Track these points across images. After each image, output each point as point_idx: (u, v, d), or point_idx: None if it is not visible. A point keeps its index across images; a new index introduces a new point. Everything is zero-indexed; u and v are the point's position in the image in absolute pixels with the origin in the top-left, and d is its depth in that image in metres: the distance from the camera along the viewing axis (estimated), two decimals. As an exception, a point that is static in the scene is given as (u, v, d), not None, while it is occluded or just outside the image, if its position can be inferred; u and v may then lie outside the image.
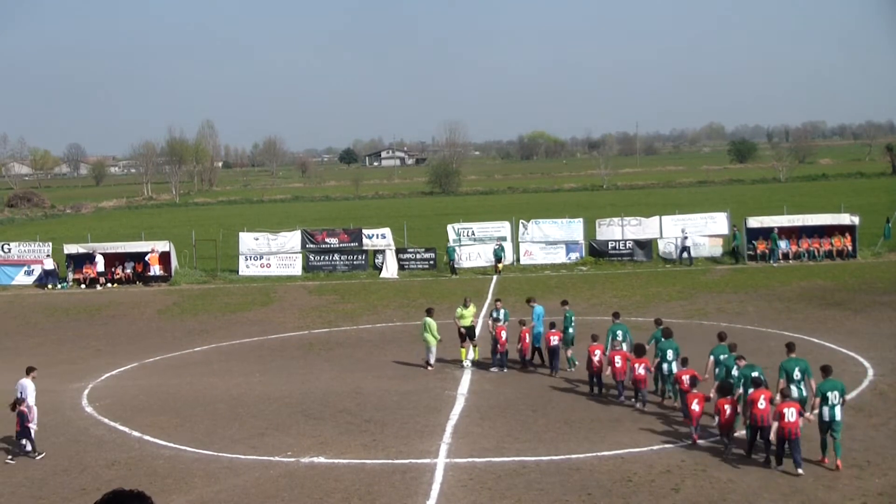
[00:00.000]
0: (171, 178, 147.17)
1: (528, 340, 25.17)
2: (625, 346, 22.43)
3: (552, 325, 24.85)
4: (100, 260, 46.11)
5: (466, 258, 47.10)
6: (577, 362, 24.74)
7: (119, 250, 47.74)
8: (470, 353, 25.74)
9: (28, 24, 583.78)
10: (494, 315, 25.90)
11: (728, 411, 17.53)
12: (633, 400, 21.39)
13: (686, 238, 45.60)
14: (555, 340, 24.45)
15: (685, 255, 45.29)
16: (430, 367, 25.51)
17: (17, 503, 16.88)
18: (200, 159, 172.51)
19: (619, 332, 22.84)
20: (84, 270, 46.34)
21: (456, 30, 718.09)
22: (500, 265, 45.29)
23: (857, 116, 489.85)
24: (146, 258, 46.32)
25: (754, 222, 45.77)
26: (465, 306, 26.03)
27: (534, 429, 19.78)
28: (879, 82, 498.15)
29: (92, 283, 45.73)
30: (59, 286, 46.12)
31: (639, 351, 21.52)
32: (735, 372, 18.92)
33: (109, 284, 45.98)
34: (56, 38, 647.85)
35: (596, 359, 22.16)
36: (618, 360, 21.75)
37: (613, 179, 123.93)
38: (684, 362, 20.50)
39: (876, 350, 25.57)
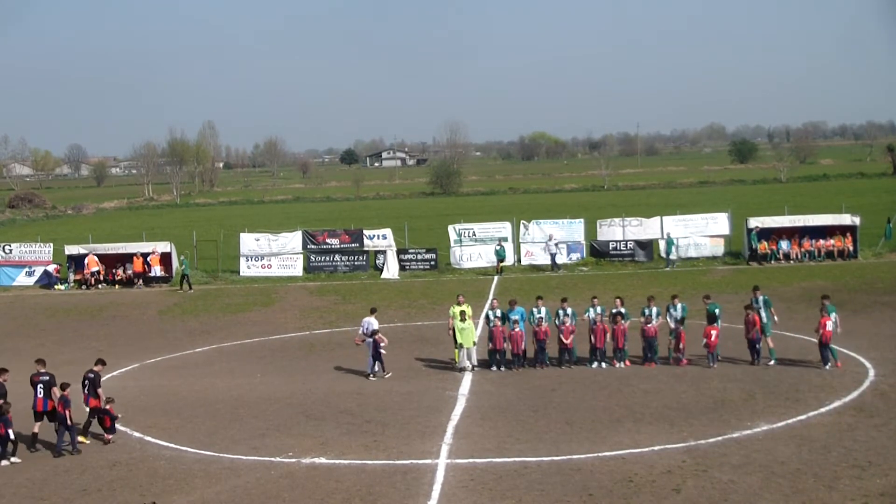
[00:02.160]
0: (172, 178, 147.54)
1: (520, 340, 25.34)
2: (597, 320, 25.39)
3: (539, 322, 25.40)
4: (92, 259, 46.13)
5: (468, 259, 47.17)
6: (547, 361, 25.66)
7: (120, 251, 47.76)
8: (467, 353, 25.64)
9: (29, 24, 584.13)
10: (491, 315, 25.86)
11: (713, 335, 24.63)
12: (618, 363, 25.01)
13: (556, 244, 45.93)
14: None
15: (556, 261, 45.48)
16: (468, 371, 25.07)
17: (18, 504, 16.90)
18: (201, 160, 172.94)
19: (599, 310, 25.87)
20: (85, 272, 46.38)
21: (457, 30, 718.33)
22: (501, 265, 45.34)
23: (858, 117, 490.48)
24: (147, 259, 46.29)
25: (755, 223, 45.77)
26: (459, 304, 25.93)
27: (535, 429, 19.78)
28: (880, 82, 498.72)
29: (91, 283, 45.80)
30: (61, 287, 46.17)
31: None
32: None
33: (112, 285, 46.05)
34: (57, 38, 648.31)
35: (568, 340, 25.23)
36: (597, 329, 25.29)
37: (614, 180, 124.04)
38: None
39: (877, 350, 25.57)
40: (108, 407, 20.33)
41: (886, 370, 23.47)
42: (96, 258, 46.36)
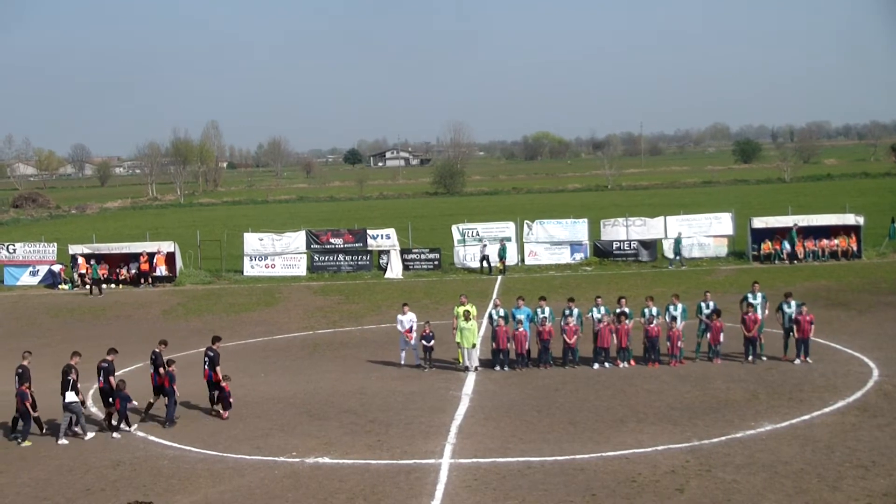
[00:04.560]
0: (176, 178, 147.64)
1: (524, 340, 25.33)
2: (604, 320, 25.38)
3: (543, 322, 25.42)
4: (83, 263, 46.11)
5: (471, 258, 47.13)
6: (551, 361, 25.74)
7: (124, 251, 47.82)
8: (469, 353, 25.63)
9: (33, 24, 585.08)
10: (494, 314, 25.86)
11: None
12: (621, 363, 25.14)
13: (485, 246, 46.02)
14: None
15: (485, 264, 45.61)
16: (471, 371, 25.10)
17: (21, 503, 16.91)
18: (205, 160, 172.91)
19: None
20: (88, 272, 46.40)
21: (460, 30, 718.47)
22: (501, 265, 45.22)
23: (862, 116, 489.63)
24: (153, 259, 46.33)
25: (759, 223, 45.72)
26: (462, 304, 25.88)
27: (538, 429, 19.78)
28: (884, 83, 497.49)
29: (79, 284, 45.78)
30: (65, 286, 46.25)
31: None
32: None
33: (113, 285, 46.13)
34: (60, 38, 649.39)
35: (571, 340, 25.25)
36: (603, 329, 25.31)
37: (618, 180, 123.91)
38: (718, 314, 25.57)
39: (881, 350, 25.55)
40: (224, 384, 21.97)
41: (890, 370, 23.45)
42: (85, 261, 46.06)
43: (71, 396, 20.44)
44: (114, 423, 21.00)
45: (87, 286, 44.81)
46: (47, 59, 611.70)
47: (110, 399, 21.14)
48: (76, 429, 20.70)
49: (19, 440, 20.43)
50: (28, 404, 20.41)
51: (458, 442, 19.09)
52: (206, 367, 22.59)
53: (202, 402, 23.06)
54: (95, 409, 22.45)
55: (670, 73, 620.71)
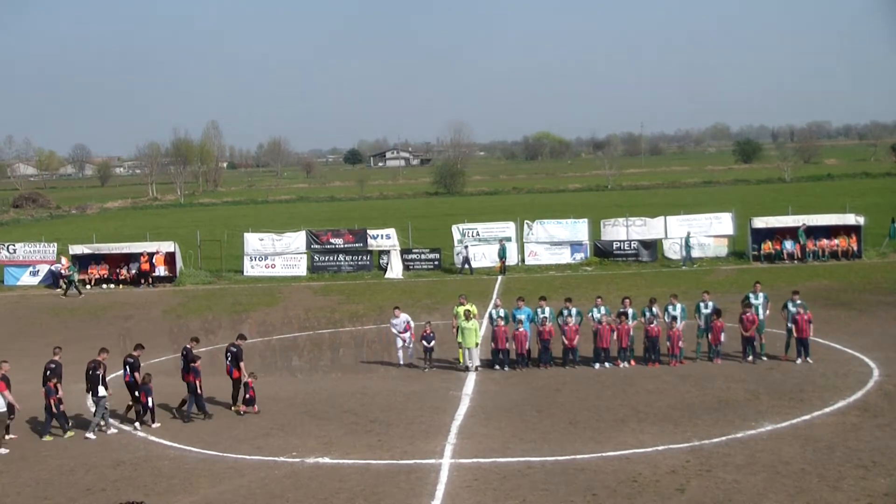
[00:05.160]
0: (176, 178, 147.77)
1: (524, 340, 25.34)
2: (603, 320, 25.24)
3: (544, 322, 25.41)
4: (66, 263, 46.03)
5: (471, 258, 47.07)
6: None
7: (124, 251, 47.84)
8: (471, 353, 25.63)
9: (33, 23, 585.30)
10: (494, 314, 25.85)
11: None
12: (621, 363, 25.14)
13: (466, 248, 46.25)
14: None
15: (466, 265, 45.82)
16: (472, 370, 25.04)
17: (22, 503, 16.91)
18: (205, 160, 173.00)
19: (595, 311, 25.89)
20: (89, 271, 46.45)
21: (461, 30, 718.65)
22: (501, 265, 45.17)
23: (863, 116, 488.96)
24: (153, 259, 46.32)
25: (759, 223, 45.71)
26: (462, 305, 25.87)
27: (539, 429, 19.78)
28: (885, 82, 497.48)
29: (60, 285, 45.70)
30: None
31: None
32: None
33: (113, 285, 46.16)
34: (61, 38, 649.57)
35: (573, 340, 25.27)
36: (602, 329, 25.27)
37: (618, 180, 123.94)
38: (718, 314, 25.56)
39: (881, 350, 25.54)
40: (248, 381, 22.24)
41: (891, 370, 23.44)
42: (69, 261, 45.94)
43: (102, 391, 20.89)
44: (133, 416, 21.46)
45: (64, 287, 44.67)
46: (47, 59, 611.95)
47: (136, 393, 21.55)
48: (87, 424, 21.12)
49: (48, 433, 20.78)
50: (54, 400, 20.69)
51: (459, 442, 19.08)
52: (227, 362, 22.83)
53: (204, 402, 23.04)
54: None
55: (670, 73, 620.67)
